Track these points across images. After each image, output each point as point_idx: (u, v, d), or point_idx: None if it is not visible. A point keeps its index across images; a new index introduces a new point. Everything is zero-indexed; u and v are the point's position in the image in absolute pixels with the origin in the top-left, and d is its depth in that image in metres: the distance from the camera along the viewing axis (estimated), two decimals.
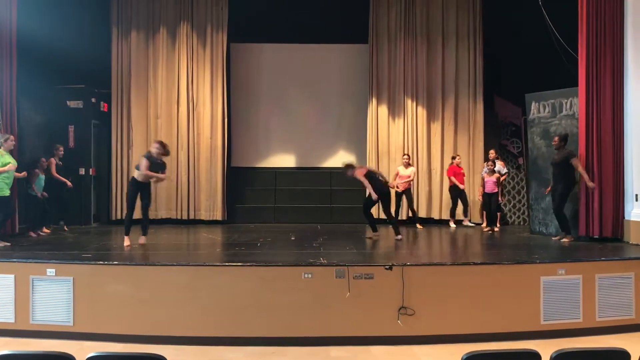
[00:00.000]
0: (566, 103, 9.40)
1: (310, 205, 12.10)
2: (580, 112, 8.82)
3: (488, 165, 10.50)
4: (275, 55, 12.45)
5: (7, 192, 8.09)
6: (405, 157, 11.07)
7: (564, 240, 8.72)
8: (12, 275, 6.47)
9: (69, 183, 10.06)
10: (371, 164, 11.87)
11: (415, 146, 11.84)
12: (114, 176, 11.63)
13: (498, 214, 10.90)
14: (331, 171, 12.33)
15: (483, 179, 10.56)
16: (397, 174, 10.99)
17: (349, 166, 9.36)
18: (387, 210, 9.25)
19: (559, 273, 6.55)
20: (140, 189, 8.20)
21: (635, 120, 8.44)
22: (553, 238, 8.99)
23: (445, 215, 11.75)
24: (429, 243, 9.36)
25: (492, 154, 10.96)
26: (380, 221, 11.48)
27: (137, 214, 11.47)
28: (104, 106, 11.75)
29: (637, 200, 8.38)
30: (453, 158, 11.33)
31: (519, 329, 6.36)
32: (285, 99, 12.43)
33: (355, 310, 6.27)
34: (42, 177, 9.68)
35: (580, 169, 8.53)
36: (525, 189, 11.96)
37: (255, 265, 6.49)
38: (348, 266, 6.35)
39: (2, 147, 8.10)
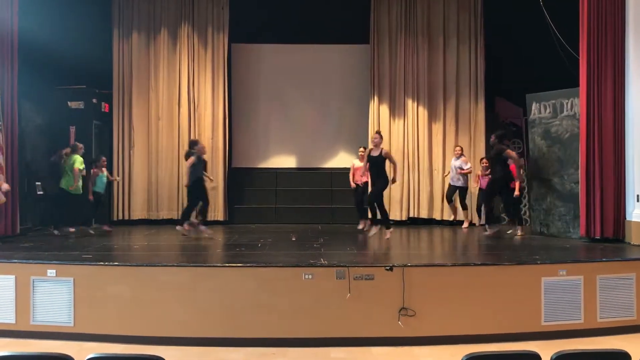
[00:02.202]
0: (567, 103, 9.39)
1: (311, 206, 12.09)
2: (581, 113, 8.81)
3: (482, 163, 10.44)
4: (276, 56, 12.45)
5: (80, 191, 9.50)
6: (362, 149, 10.75)
7: (486, 233, 9.38)
8: (13, 276, 6.48)
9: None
10: None
11: (416, 146, 11.82)
12: (115, 177, 11.61)
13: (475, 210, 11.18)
14: (332, 172, 12.32)
15: (478, 176, 10.56)
16: (353, 167, 10.81)
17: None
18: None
19: (560, 274, 6.55)
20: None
21: (637, 120, 8.42)
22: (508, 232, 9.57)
23: (447, 216, 11.73)
24: (430, 244, 9.35)
25: (457, 151, 11.06)
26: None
27: (139, 215, 11.61)
28: (105, 107, 11.76)
29: (638, 200, 8.36)
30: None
31: (519, 330, 6.35)
32: (286, 100, 12.42)
33: (355, 311, 6.27)
34: (103, 175, 10.02)
35: (512, 161, 9.26)
36: (526, 189, 11.93)
37: (256, 266, 6.49)
38: (348, 267, 6.35)
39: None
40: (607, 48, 8.62)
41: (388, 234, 8.67)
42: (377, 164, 8.69)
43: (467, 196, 11.13)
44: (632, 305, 6.67)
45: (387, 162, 8.83)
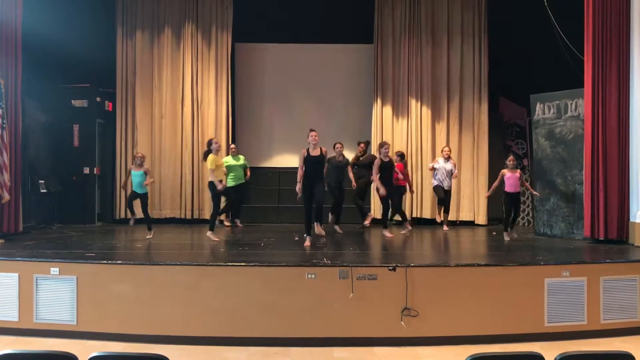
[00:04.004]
0: (571, 104, 9.37)
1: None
2: (586, 114, 8.79)
3: (511, 161, 9.03)
4: (279, 55, 12.45)
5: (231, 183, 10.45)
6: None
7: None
8: (16, 274, 6.49)
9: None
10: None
11: (419, 146, 11.80)
12: (118, 175, 11.63)
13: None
14: None
15: (502, 176, 8.95)
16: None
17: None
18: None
19: (563, 275, 6.53)
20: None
21: None
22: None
23: (452, 216, 11.68)
24: (433, 244, 9.34)
25: (447, 152, 10.54)
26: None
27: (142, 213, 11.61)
28: (108, 105, 11.77)
29: None
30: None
31: (523, 331, 6.34)
32: (290, 99, 12.42)
33: (358, 311, 6.27)
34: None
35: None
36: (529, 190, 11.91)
37: (259, 266, 6.49)
38: (351, 267, 6.34)
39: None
40: (611, 49, 8.59)
41: (308, 241, 8.15)
42: (319, 165, 8.28)
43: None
44: (635, 306, 6.65)
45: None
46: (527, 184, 9.05)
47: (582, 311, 6.51)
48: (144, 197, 9.09)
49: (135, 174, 9.01)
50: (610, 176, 8.57)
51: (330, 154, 9.70)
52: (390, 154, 9.28)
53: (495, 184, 9.10)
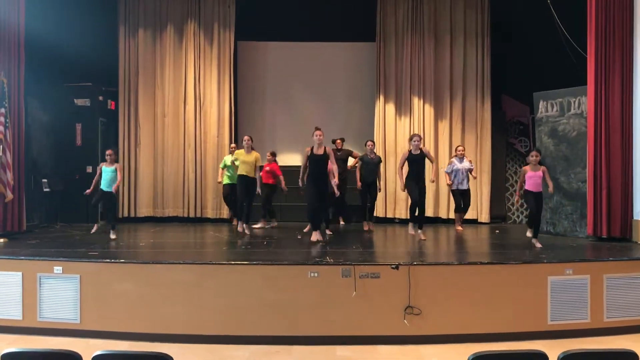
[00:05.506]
0: (574, 102, 9.35)
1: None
2: (589, 111, 8.77)
3: (533, 156, 7.99)
4: (282, 54, 12.44)
5: (226, 180, 10.44)
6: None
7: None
8: (20, 273, 6.51)
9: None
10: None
11: (422, 145, 11.76)
12: (120, 174, 11.61)
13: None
14: None
15: (524, 174, 8.01)
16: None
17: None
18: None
19: (566, 273, 6.52)
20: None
21: None
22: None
23: (453, 215, 11.66)
24: (436, 242, 9.32)
25: (461, 151, 10.36)
26: (386, 220, 11.52)
27: (144, 212, 11.62)
28: (111, 104, 11.79)
29: None
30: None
31: (525, 329, 6.33)
32: (292, 97, 12.42)
33: (361, 310, 6.26)
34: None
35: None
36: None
37: (262, 264, 6.49)
38: (354, 265, 6.34)
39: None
40: (615, 46, 8.57)
41: (314, 235, 8.32)
42: (323, 163, 8.41)
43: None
44: (639, 304, 6.64)
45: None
46: (550, 181, 7.98)
47: (585, 309, 6.50)
48: (113, 197, 8.93)
49: (107, 170, 8.67)
50: (614, 174, 8.55)
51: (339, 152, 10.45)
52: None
53: (519, 184, 8.21)
